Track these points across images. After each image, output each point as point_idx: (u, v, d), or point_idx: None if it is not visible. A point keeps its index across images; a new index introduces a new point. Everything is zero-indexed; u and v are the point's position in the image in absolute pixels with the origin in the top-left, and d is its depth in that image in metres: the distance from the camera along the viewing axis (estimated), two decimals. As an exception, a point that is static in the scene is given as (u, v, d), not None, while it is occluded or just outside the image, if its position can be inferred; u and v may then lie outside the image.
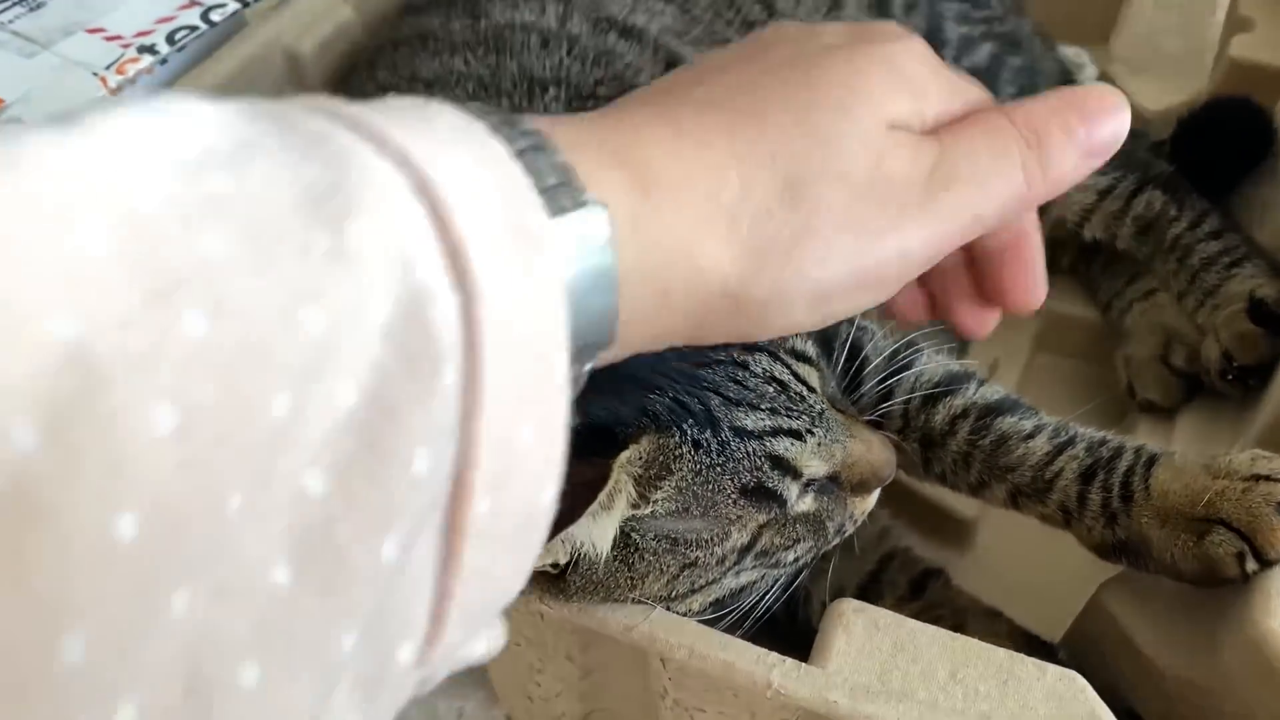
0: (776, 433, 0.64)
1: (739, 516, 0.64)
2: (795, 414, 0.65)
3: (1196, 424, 0.97)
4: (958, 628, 0.79)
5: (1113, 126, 0.56)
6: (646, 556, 0.63)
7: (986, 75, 1.01)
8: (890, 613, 0.66)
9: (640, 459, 0.61)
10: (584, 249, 0.39)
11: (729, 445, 0.62)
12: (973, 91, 0.56)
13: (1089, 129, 0.55)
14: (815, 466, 0.66)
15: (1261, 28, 1.23)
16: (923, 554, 0.90)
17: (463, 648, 0.39)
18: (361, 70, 1.03)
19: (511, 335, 0.35)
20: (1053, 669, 0.63)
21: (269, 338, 0.29)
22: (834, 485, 0.69)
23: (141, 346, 0.27)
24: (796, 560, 0.70)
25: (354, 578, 0.31)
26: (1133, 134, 1.02)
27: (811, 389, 0.68)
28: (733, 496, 0.63)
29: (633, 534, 0.62)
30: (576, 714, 0.82)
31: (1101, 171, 0.98)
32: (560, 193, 0.39)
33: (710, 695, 0.68)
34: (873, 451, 0.70)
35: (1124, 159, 1.00)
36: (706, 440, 0.61)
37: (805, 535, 0.68)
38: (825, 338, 0.83)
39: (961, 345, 1.09)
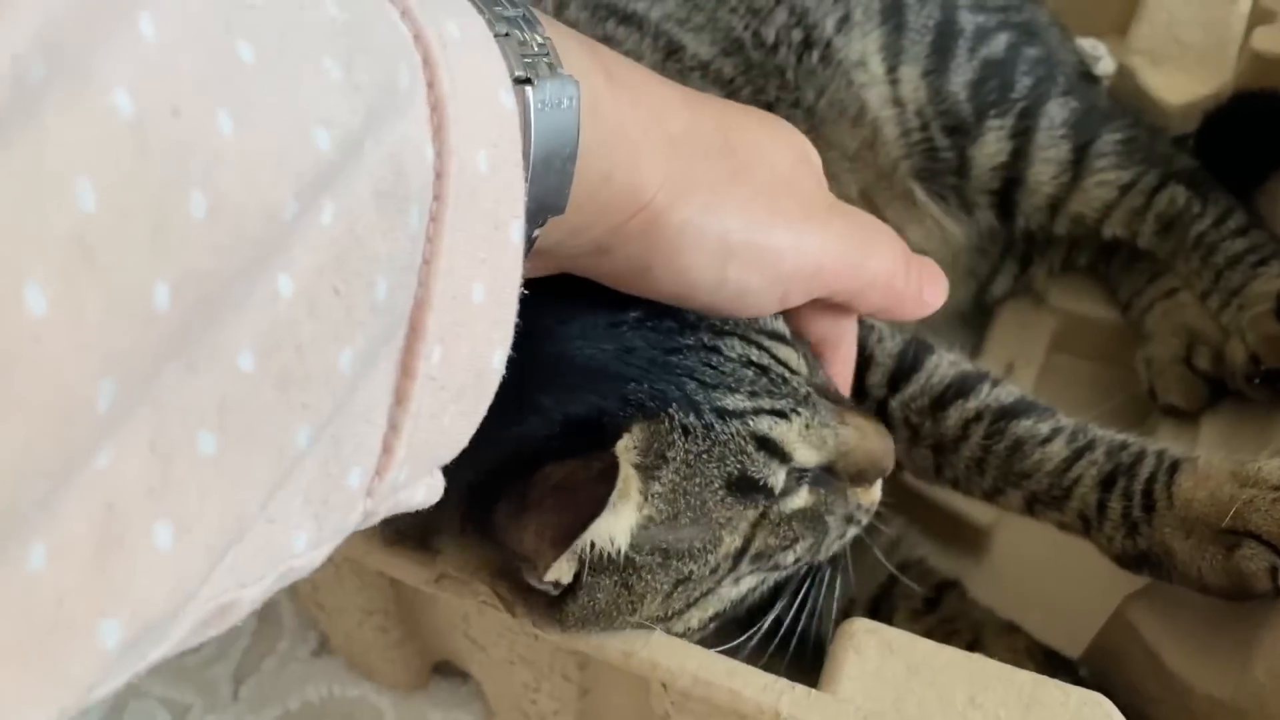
0: (759, 412, 0.60)
1: (729, 519, 0.60)
2: (777, 395, 0.62)
3: (1221, 428, 0.93)
4: (974, 643, 0.75)
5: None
6: (644, 575, 0.59)
7: (1003, 66, 0.97)
8: (904, 633, 0.62)
9: (636, 446, 0.57)
10: (554, 115, 0.44)
11: (713, 429, 0.58)
12: None
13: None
14: (805, 453, 0.62)
15: (1286, 19, 1.19)
16: (936, 562, 0.86)
17: (405, 490, 0.42)
18: None
19: (475, 195, 0.39)
20: (1077, 692, 0.59)
21: (286, 148, 0.32)
22: (830, 477, 0.65)
23: (185, 135, 0.29)
24: (798, 561, 0.66)
25: (310, 377, 0.34)
26: (1152, 129, 1.01)
27: (793, 371, 0.64)
28: (720, 493, 0.59)
29: (630, 552, 0.58)
30: (574, 732, 0.79)
31: (1123, 166, 0.95)
32: (539, 62, 0.43)
33: (716, 719, 0.64)
34: (868, 439, 0.66)
35: (1144, 154, 0.97)
36: (692, 424, 0.58)
37: (803, 533, 0.64)
38: None
39: (975, 346, 1.06)
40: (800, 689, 0.59)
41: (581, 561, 0.57)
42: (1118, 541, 0.70)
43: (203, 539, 0.32)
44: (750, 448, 0.59)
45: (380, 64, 0.35)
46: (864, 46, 0.96)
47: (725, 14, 0.96)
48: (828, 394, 0.66)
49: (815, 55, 0.95)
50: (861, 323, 0.80)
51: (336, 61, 0.34)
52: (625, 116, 0.50)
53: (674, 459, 0.58)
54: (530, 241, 0.46)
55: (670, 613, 0.62)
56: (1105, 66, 1.21)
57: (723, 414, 0.59)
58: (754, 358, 0.62)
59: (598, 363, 0.58)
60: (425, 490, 0.44)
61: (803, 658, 0.69)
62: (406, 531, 0.64)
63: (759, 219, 0.55)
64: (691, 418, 0.58)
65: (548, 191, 0.45)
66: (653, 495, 0.57)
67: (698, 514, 0.59)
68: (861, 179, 0.96)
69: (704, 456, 0.58)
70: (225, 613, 0.35)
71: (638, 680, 0.68)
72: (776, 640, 0.70)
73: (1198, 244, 0.96)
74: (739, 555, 0.62)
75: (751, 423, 0.60)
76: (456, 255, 0.39)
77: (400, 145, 0.36)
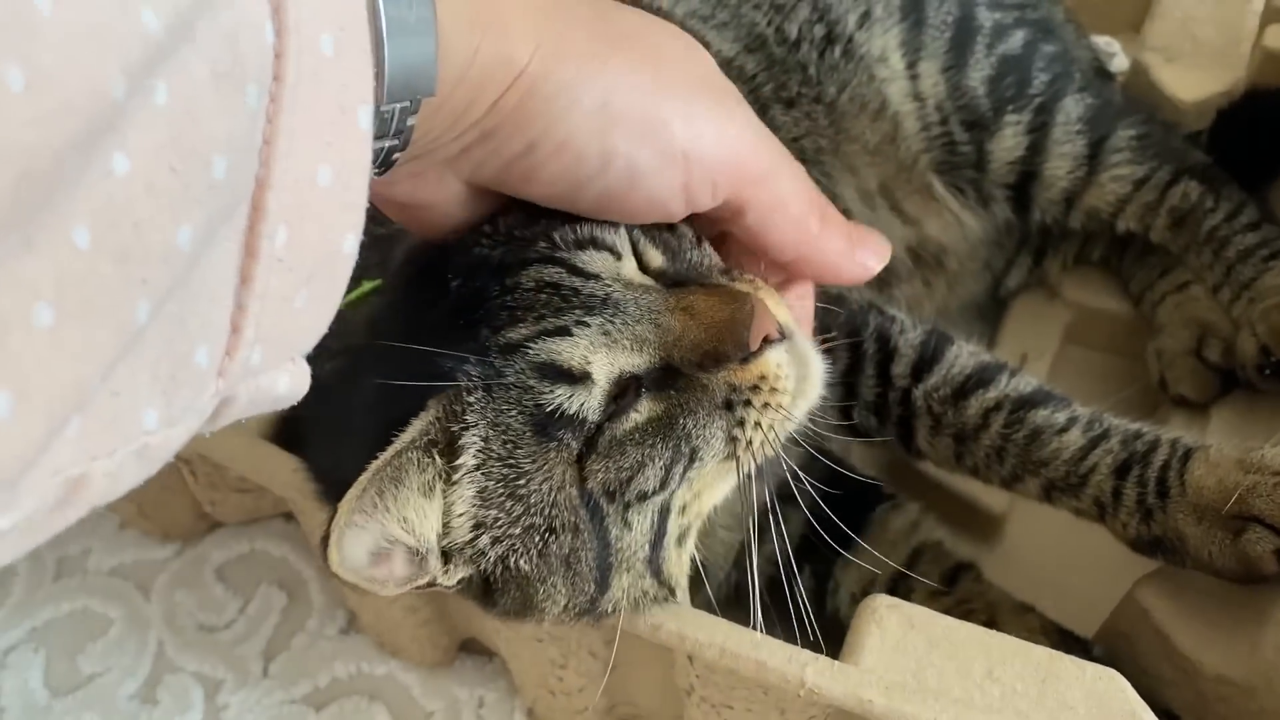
0: (537, 337, 0.56)
1: (549, 471, 0.56)
2: (563, 311, 0.57)
3: (1231, 419, 0.95)
4: (989, 623, 0.77)
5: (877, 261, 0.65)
6: (524, 557, 0.57)
7: (1020, 62, 0.99)
8: (924, 609, 0.64)
9: (427, 429, 0.55)
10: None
11: (502, 372, 0.55)
12: None
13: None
14: (617, 360, 0.57)
15: (1298, 18, 1.21)
16: (952, 546, 0.88)
17: (264, 376, 0.41)
18: None
19: (319, 78, 0.39)
20: (1092, 667, 0.61)
21: (108, 26, 0.32)
22: (674, 374, 0.58)
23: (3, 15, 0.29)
24: (683, 477, 0.59)
25: (149, 253, 0.34)
26: (1166, 125, 1.02)
27: (592, 275, 0.58)
28: (530, 444, 0.55)
29: (476, 543, 0.57)
30: (600, 708, 0.81)
31: (1136, 161, 0.97)
32: None
33: (738, 692, 0.66)
34: (699, 315, 0.58)
35: (1158, 150, 0.98)
36: (484, 374, 0.55)
37: (655, 446, 0.58)
38: (852, 328, 0.81)
39: (990, 338, 1.07)
40: (824, 660, 0.61)
41: (421, 551, 0.57)
42: (1132, 527, 0.72)
43: (42, 406, 0.32)
44: (533, 380, 0.55)
45: None
46: (885, 42, 0.98)
47: (749, 10, 0.98)
48: (669, 277, 0.61)
49: (837, 50, 0.97)
50: (883, 313, 0.82)
51: None
52: None
53: (473, 414, 0.56)
54: (406, 130, 0.46)
55: (591, 590, 0.59)
56: (1119, 63, 1.23)
57: (506, 350, 0.56)
58: (548, 277, 0.58)
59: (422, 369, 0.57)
60: (289, 380, 0.43)
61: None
62: None
63: (643, 84, 0.54)
64: (482, 369, 0.55)
65: (410, 72, 0.44)
66: (466, 455, 0.56)
67: (524, 477, 0.56)
68: (882, 172, 0.98)
69: (504, 407, 0.55)
70: (79, 489, 0.35)
71: (663, 656, 0.70)
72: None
73: (1210, 238, 0.98)
74: (587, 504, 0.57)
75: (530, 351, 0.56)
76: (298, 137, 0.38)
77: (236, 25, 0.36)
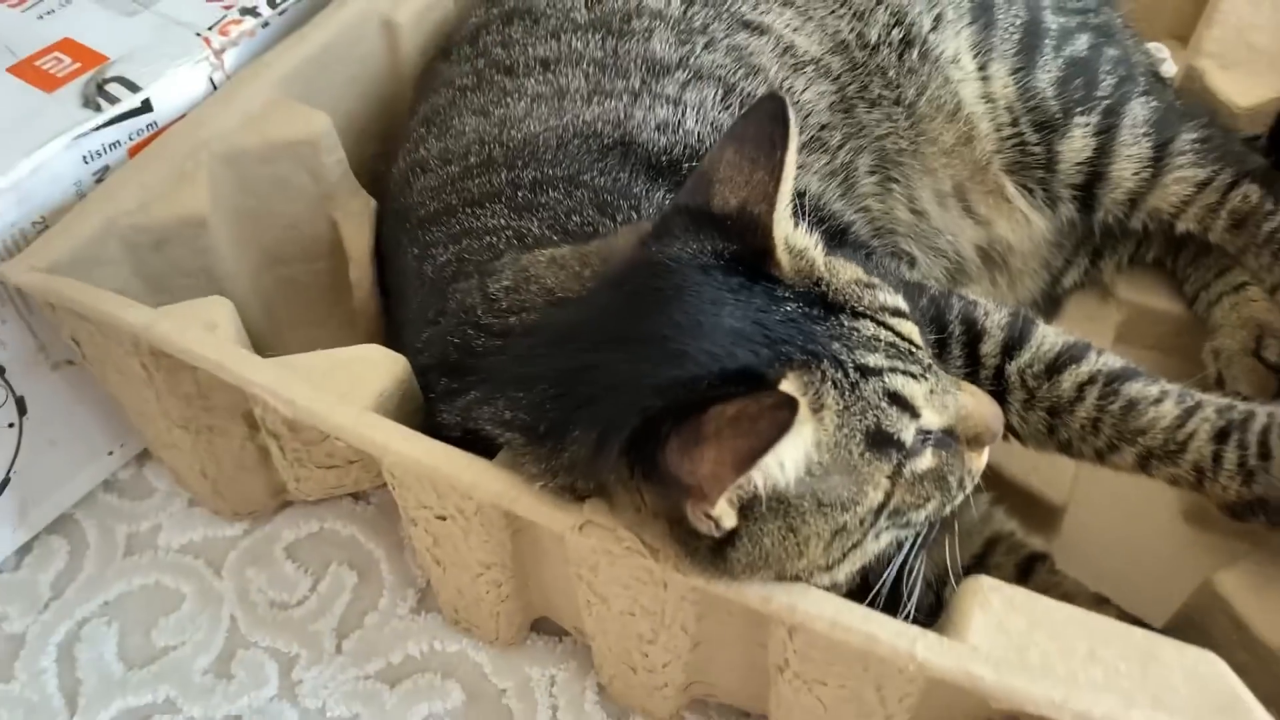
0: (894, 371, 0.65)
1: (870, 472, 0.64)
2: (909, 360, 0.67)
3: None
4: (1067, 613, 0.79)
5: None
6: (807, 520, 0.63)
7: (1087, 65, 1.02)
8: (1025, 590, 0.66)
9: (799, 390, 0.61)
10: None
11: (857, 386, 0.63)
12: None
13: None
14: (930, 415, 0.67)
15: (1350, 26, 1.23)
16: (1023, 539, 0.90)
17: None
18: (464, 44, 1.04)
19: None
20: (1192, 650, 0.63)
21: None
22: (951, 440, 0.70)
23: None
24: (927, 519, 0.70)
25: None
26: (1226, 129, 1.05)
27: (918, 345, 0.69)
28: (861, 445, 0.63)
29: (791, 500, 0.62)
30: (678, 684, 0.82)
31: (1199, 164, 1.00)
32: None
33: (835, 668, 0.68)
34: (983, 405, 0.71)
35: (1220, 153, 1.01)
36: (839, 379, 0.63)
37: (933, 493, 0.69)
38: (936, 313, 0.84)
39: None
40: (933, 636, 0.63)
41: (742, 504, 0.61)
42: (1233, 490, 0.75)
43: None
44: (884, 403, 0.64)
45: None
46: (957, 44, 1.01)
47: (832, 20, 1.02)
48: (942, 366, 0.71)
49: (914, 53, 1.00)
50: (964, 298, 0.84)
51: None
52: None
53: (827, 407, 0.62)
54: None
55: (830, 561, 0.66)
56: (1168, 69, 1.25)
57: (864, 371, 0.64)
58: (884, 336, 0.67)
59: (745, 327, 0.63)
60: None
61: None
62: (568, 485, 0.68)
63: None
64: (839, 373, 0.63)
65: None
66: (815, 437, 0.62)
67: (845, 463, 0.63)
68: (956, 173, 1.01)
69: (849, 409, 0.63)
70: None
71: (754, 632, 0.72)
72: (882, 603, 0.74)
73: (1269, 240, 1.00)
74: (879, 510, 0.66)
75: (887, 380, 0.65)
76: None
77: None
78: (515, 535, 0.79)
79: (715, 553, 0.64)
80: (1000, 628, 0.64)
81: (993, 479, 0.98)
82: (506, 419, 0.70)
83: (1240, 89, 1.12)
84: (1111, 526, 0.97)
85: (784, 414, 0.55)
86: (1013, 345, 0.82)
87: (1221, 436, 0.76)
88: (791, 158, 0.67)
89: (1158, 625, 0.83)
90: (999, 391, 0.81)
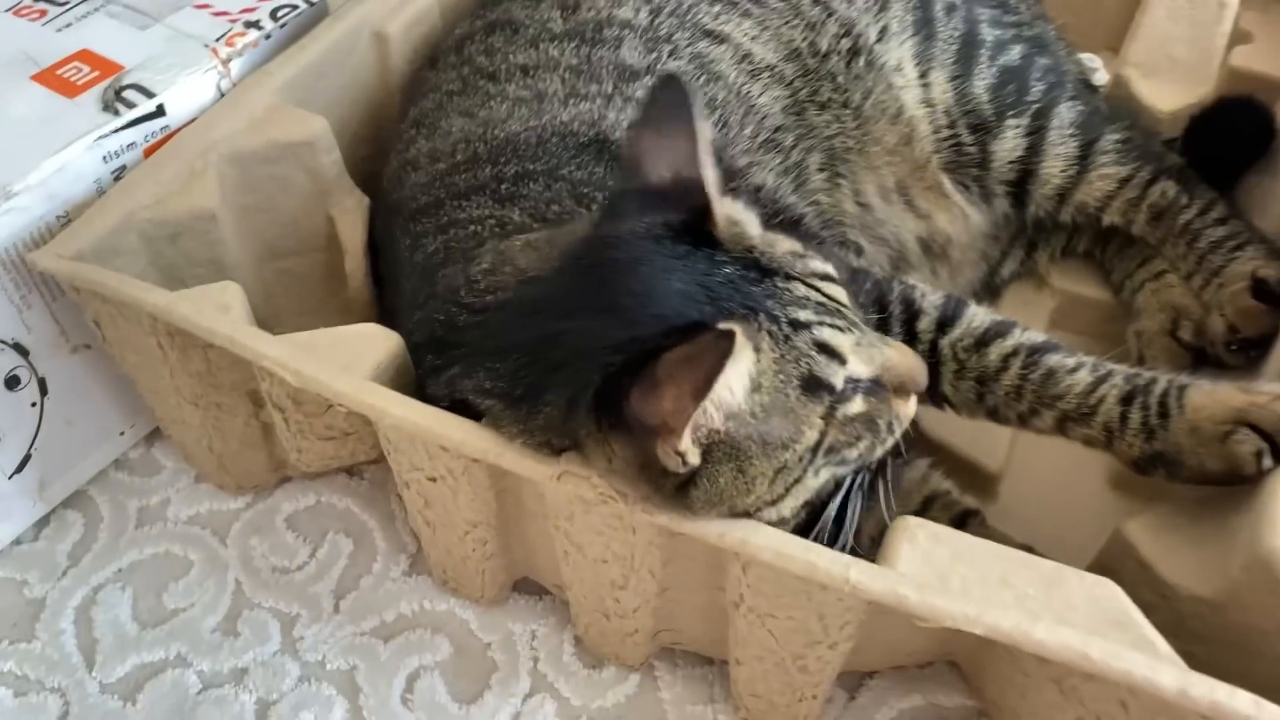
0: (822, 324, 0.74)
1: (806, 415, 0.73)
2: (835, 316, 0.76)
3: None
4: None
5: None
6: (752, 461, 0.72)
7: (1019, 73, 1.12)
8: (947, 528, 0.75)
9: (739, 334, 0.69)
10: None
11: (790, 338, 0.72)
12: None
13: None
14: (856, 364, 0.75)
15: (1260, 40, 1.34)
16: (957, 497, 0.99)
17: None
18: (449, 53, 1.13)
19: None
20: (1091, 577, 0.73)
21: None
22: (879, 388, 0.78)
23: None
24: (860, 457, 0.79)
25: None
26: (1146, 130, 1.15)
27: (844, 305, 0.78)
28: (797, 390, 0.72)
29: (740, 444, 0.71)
30: (647, 630, 0.91)
31: (1121, 162, 1.10)
32: None
33: (784, 600, 0.77)
34: (906, 358, 0.80)
35: (1140, 152, 1.11)
36: (774, 331, 0.72)
37: (863, 433, 0.78)
38: (878, 295, 0.93)
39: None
40: (865, 563, 0.72)
41: (703, 447, 0.70)
42: (1138, 446, 0.85)
43: None
44: (815, 352, 0.73)
45: None
46: (900, 54, 1.11)
47: (786, 30, 1.12)
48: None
49: (861, 61, 1.10)
50: (904, 282, 0.94)
51: None
52: None
53: (764, 353, 0.71)
54: None
55: (774, 497, 0.75)
56: (1100, 77, 1.35)
57: (795, 324, 0.73)
58: (814, 296, 0.76)
59: (690, 289, 0.72)
60: None
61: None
62: (545, 442, 0.77)
63: None
64: (774, 325, 0.72)
65: None
66: (755, 383, 0.71)
67: (784, 406, 0.72)
68: (898, 171, 1.11)
69: (784, 358, 0.72)
70: None
71: (713, 575, 0.80)
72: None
73: (1184, 231, 1.10)
74: (815, 448, 0.75)
75: (815, 331, 0.74)
76: None
77: None
78: (499, 495, 0.87)
79: (679, 493, 0.73)
80: (925, 558, 0.73)
81: (936, 448, 1.08)
82: (486, 388, 0.79)
83: (1161, 96, 1.23)
84: (1043, 491, 1.06)
85: (725, 343, 0.63)
86: (946, 322, 0.92)
87: (1128, 399, 0.85)
88: (701, 121, 0.76)
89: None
90: (934, 363, 0.91)
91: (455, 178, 0.97)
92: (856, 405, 0.76)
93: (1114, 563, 0.89)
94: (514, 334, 0.78)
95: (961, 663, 0.93)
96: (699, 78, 1.05)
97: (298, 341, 0.87)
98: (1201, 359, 1.09)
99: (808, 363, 0.73)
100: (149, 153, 1.03)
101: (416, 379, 0.89)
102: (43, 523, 1.10)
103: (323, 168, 1.08)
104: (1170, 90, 1.23)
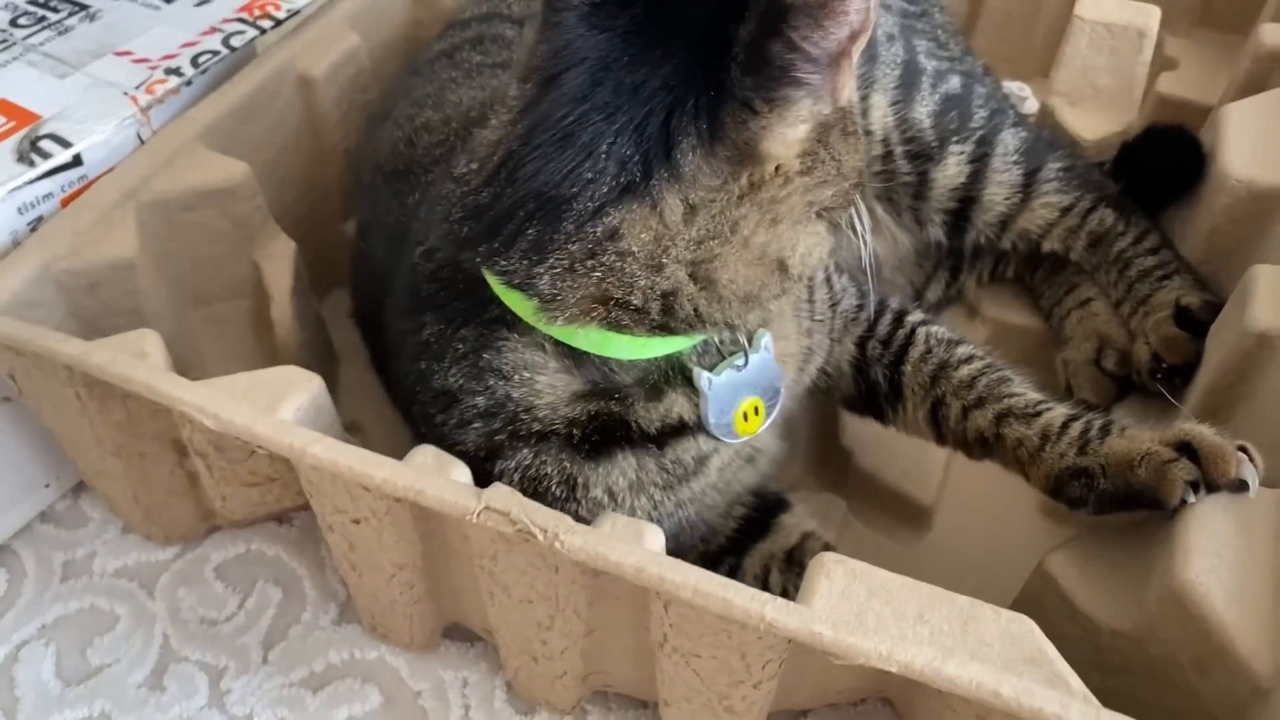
0: None
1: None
2: None
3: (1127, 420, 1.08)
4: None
5: None
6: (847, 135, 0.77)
7: (961, 100, 1.12)
8: (865, 564, 0.75)
9: None
10: None
11: None
12: None
13: None
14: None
15: (1185, 67, 1.36)
16: (884, 538, 1.00)
17: None
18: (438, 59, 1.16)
19: None
20: (1007, 613, 0.72)
21: None
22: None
23: None
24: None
25: None
26: (1085, 159, 1.17)
27: None
28: None
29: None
30: (577, 672, 0.90)
31: (1064, 190, 1.12)
32: None
33: (706, 638, 0.76)
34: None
35: (1080, 180, 1.13)
36: None
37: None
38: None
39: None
40: (781, 600, 0.71)
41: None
42: (1069, 457, 0.86)
43: None
44: None
45: None
46: None
47: None
48: None
49: None
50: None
51: None
52: None
53: None
54: None
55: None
56: (1030, 106, 1.37)
57: None
58: None
59: None
60: None
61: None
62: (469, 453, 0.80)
63: None
64: None
65: None
66: None
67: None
68: None
69: None
70: None
71: (639, 615, 0.80)
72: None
73: (1117, 259, 1.12)
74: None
75: None
76: None
77: None
78: (425, 536, 0.86)
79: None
80: (843, 595, 0.73)
81: (866, 483, 1.08)
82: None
83: (1087, 124, 1.24)
84: (975, 523, 1.06)
85: None
86: (931, 321, 0.99)
87: (1074, 418, 0.88)
88: None
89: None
90: (905, 345, 0.97)
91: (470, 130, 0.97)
92: None
93: (1038, 595, 0.89)
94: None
95: (894, 700, 0.92)
96: None
97: (216, 385, 0.86)
98: (1127, 389, 1.10)
99: None
100: (66, 203, 1.02)
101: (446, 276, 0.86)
102: (-35, 580, 1.08)
103: (245, 214, 1.07)
104: (1095, 118, 1.25)
